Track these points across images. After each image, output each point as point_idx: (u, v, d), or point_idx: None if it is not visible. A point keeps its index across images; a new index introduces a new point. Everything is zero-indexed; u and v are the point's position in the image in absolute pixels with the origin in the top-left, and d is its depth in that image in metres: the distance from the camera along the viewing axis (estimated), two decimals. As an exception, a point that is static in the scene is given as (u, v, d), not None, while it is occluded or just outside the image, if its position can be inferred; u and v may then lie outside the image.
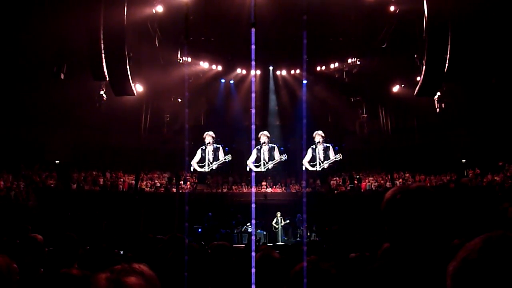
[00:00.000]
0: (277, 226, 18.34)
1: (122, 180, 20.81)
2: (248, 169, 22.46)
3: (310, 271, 2.09)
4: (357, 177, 21.79)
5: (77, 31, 15.57)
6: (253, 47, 1.36)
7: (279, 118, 23.80)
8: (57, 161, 20.43)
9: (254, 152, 21.61)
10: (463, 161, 20.31)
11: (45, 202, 17.43)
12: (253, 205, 1.37)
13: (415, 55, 16.95)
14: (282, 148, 22.02)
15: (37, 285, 2.82)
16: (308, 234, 17.99)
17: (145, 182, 20.96)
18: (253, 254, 1.29)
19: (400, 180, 20.63)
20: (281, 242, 17.57)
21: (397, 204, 1.85)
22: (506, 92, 18.17)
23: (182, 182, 21.04)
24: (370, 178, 21.66)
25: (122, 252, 6.72)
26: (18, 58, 17.45)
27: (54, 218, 15.58)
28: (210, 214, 18.36)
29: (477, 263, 1.05)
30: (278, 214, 18.54)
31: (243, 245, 12.99)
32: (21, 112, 19.07)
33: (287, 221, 18.39)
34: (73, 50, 16.42)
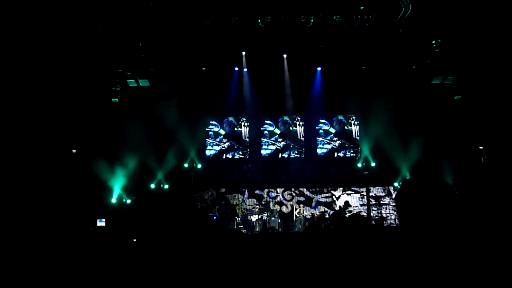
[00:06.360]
0: (298, 216, 18.35)
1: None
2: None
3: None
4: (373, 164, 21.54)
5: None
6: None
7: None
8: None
9: None
10: (480, 148, 19.93)
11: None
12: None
13: (431, 40, 16.67)
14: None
15: None
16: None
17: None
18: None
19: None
20: (297, 230, 17.68)
21: (408, 193, 1.94)
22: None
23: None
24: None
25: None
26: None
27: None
28: (223, 202, 18.54)
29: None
30: (301, 205, 18.70)
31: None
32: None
33: (309, 214, 18.41)
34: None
